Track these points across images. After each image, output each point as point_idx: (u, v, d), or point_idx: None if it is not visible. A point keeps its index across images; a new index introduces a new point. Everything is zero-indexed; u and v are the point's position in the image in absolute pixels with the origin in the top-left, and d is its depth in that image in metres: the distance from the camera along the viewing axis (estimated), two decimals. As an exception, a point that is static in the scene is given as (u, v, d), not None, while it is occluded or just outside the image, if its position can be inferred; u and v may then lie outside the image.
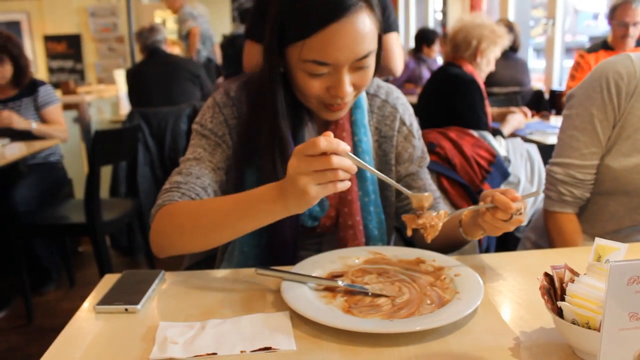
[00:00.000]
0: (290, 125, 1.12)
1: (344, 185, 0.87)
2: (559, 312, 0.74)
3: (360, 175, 1.20)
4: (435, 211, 0.99)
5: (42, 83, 3.22)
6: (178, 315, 0.92)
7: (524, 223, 1.01)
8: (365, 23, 1.01)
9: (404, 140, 1.25)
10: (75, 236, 3.60)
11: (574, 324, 0.72)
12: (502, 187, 1.98)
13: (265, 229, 1.10)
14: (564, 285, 0.76)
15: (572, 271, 0.78)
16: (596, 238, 0.79)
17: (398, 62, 1.84)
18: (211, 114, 1.18)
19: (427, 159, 1.30)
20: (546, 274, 0.78)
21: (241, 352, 0.79)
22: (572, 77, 3.43)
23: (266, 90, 1.10)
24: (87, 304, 0.96)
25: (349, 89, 1.04)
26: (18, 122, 3.00)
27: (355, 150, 1.19)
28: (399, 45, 1.85)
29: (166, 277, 1.07)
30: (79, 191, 3.67)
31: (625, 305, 0.61)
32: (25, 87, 3.15)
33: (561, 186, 1.35)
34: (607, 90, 1.26)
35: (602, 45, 3.32)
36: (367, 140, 1.21)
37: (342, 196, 1.19)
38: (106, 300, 0.95)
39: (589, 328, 0.70)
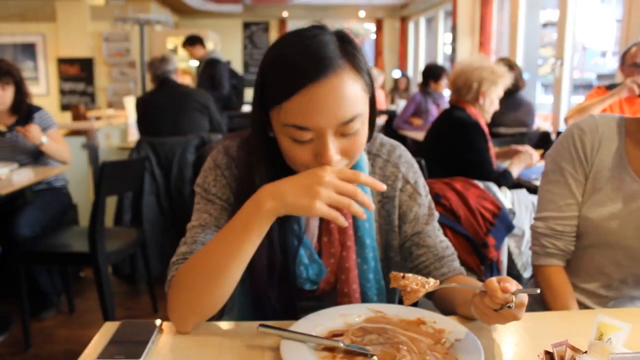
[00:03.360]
0: None
1: (343, 221, 0.93)
2: (560, 393, 0.73)
3: (359, 242, 1.17)
4: (426, 277, 0.97)
5: (37, 109, 3.19)
6: (176, 371, 0.91)
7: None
8: (348, 85, 0.96)
9: (409, 199, 1.22)
10: (77, 265, 3.60)
11: (575, 405, 0.71)
12: (506, 239, 1.97)
13: (262, 295, 1.11)
14: (564, 364, 0.75)
15: (573, 349, 0.77)
16: (598, 314, 0.79)
17: None
18: (213, 177, 1.15)
19: (436, 214, 1.26)
20: (546, 352, 0.77)
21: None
22: (585, 100, 3.42)
23: (255, 156, 1.08)
24: (86, 355, 0.95)
25: (336, 156, 0.98)
26: (37, 137, 2.98)
27: (354, 216, 1.15)
28: None
29: (164, 326, 1.06)
30: (84, 217, 3.69)
31: (626, 397, 0.60)
32: (21, 116, 3.12)
33: (544, 239, 1.39)
34: (573, 145, 1.36)
35: None
36: None
37: (341, 263, 1.17)
38: (106, 353, 0.94)
39: (590, 411, 0.69)
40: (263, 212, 0.95)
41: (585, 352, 0.76)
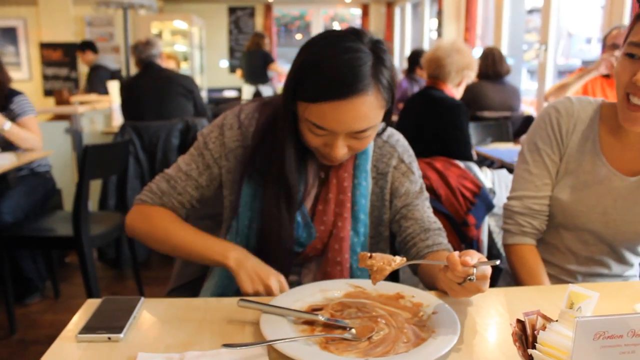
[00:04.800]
0: (296, 164, 1.18)
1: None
2: None
3: (355, 216, 1.24)
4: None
5: (17, 93, 3.09)
6: (158, 345, 0.92)
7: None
8: (369, 104, 1.06)
9: (402, 176, 1.29)
10: (62, 249, 3.58)
11: (544, 371, 0.73)
12: (487, 219, 2.00)
13: (257, 250, 1.19)
14: (535, 332, 0.77)
15: (544, 317, 0.79)
16: (569, 285, 0.81)
17: None
18: (216, 133, 1.26)
19: (426, 194, 1.33)
20: (518, 320, 0.79)
21: (217, 388, 0.79)
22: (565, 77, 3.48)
23: (279, 130, 1.17)
24: (69, 330, 0.97)
25: (342, 151, 1.12)
26: None
27: (353, 192, 1.24)
28: None
29: (146, 303, 1.08)
30: (68, 202, 3.66)
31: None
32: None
33: (519, 218, 1.41)
34: (550, 126, 1.38)
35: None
36: (367, 185, 1.25)
37: (335, 233, 1.23)
38: (88, 328, 0.95)
39: (559, 376, 0.71)
40: (223, 262, 1.15)
41: (557, 320, 0.78)
